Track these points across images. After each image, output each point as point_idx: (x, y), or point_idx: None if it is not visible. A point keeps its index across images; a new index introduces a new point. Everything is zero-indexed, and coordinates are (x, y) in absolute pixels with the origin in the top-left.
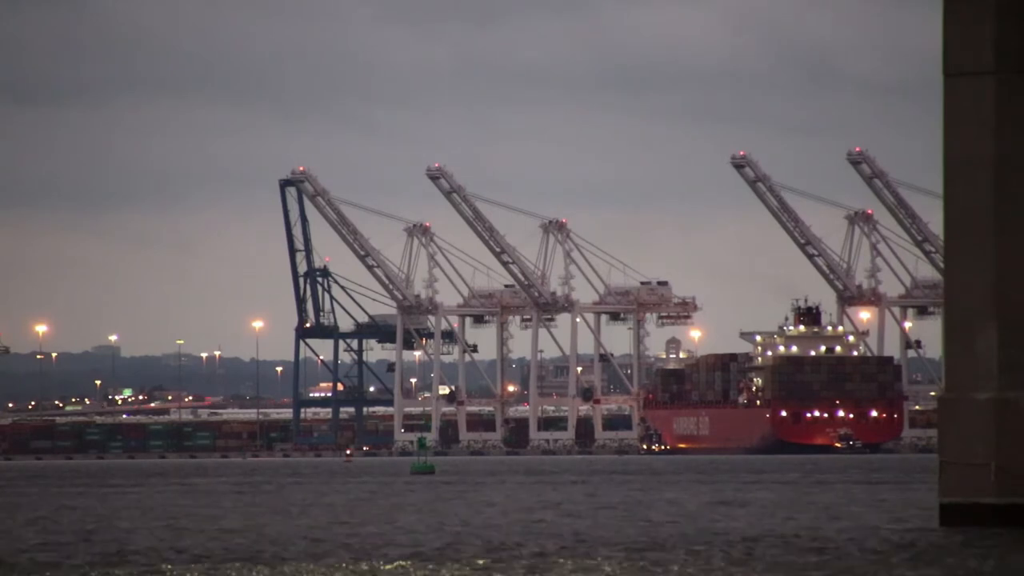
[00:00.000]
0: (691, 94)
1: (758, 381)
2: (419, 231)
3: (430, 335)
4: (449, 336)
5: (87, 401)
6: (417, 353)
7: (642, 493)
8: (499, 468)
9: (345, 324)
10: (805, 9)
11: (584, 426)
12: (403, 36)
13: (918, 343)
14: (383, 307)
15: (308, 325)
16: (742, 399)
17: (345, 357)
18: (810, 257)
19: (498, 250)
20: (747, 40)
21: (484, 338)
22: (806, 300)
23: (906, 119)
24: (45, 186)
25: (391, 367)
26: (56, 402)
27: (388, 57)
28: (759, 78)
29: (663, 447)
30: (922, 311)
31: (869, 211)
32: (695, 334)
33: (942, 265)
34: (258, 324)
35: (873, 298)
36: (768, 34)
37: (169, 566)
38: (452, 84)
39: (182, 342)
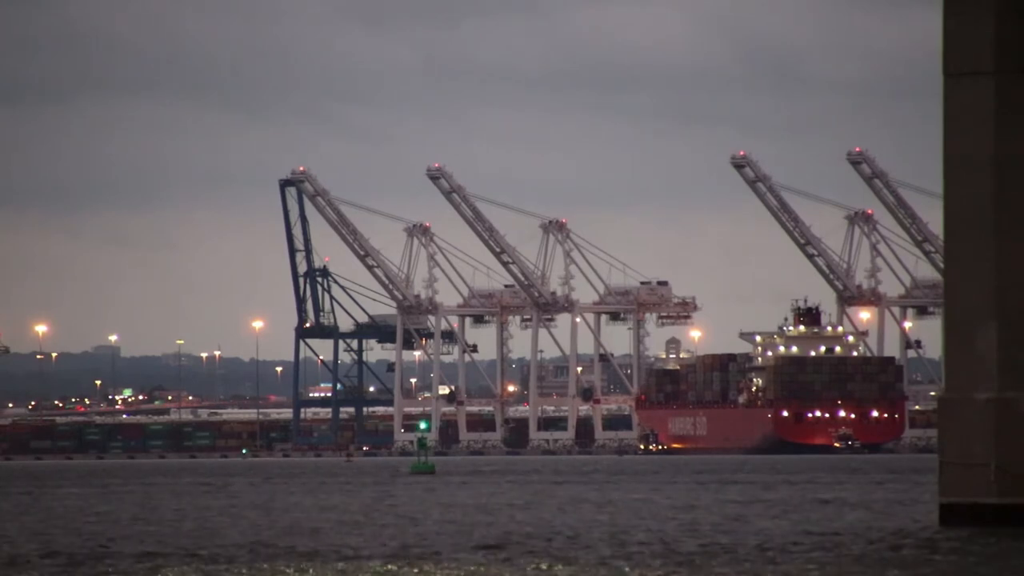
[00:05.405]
0: (692, 94)
1: (758, 381)
2: (419, 231)
3: (430, 335)
4: (449, 336)
5: (87, 401)
6: (417, 353)
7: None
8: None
9: (345, 324)
10: (799, 10)
11: (584, 426)
12: (403, 38)
13: (918, 343)
14: (383, 307)
15: (308, 325)
16: (742, 399)
17: (345, 357)
18: (810, 257)
19: (498, 250)
20: (747, 40)
21: (484, 338)
22: (806, 300)
23: (906, 119)
24: (46, 186)
25: (391, 367)
26: (56, 402)
27: (389, 58)
28: (759, 78)
29: (659, 447)
30: (922, 311)
31: (869, 211)
32: (695, 334)
33: (942, 265)
34: (258, 324)
35: (873, 298)
36: (764, 35)
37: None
38: (453, 85)
39: (182, 342)
